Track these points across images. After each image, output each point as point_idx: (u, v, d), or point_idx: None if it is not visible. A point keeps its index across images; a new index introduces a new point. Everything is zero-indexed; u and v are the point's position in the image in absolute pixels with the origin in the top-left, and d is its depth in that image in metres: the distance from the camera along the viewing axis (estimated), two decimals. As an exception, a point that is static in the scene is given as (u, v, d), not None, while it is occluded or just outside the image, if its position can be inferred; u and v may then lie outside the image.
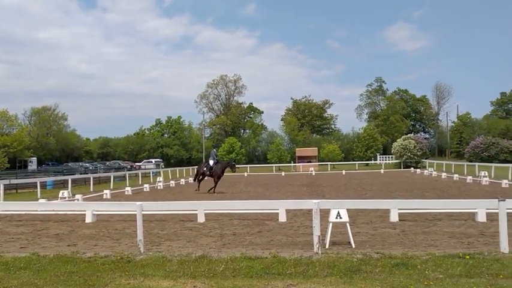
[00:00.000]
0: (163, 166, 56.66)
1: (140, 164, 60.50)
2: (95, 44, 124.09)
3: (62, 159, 68.05)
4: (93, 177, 27.91)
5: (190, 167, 52.63)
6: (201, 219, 11.78)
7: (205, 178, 23.55)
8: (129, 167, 53.55)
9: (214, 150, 24.98)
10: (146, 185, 25.71)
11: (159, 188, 26.67)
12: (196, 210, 11.98)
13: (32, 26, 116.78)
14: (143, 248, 7.88)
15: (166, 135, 79.54)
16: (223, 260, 6.99)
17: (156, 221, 11.88)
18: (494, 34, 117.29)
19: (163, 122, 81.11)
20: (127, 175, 31.49)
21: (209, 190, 21.55)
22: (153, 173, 38.92)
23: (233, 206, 11.46)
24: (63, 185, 26.47)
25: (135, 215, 8.38)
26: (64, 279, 6.14)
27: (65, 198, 18.01)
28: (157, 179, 29.99)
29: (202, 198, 18.49)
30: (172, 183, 29.58)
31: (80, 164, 56.34)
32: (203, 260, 7.02)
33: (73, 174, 33.43)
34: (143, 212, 8.42)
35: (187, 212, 12.50)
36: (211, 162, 22.42)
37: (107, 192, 20.82)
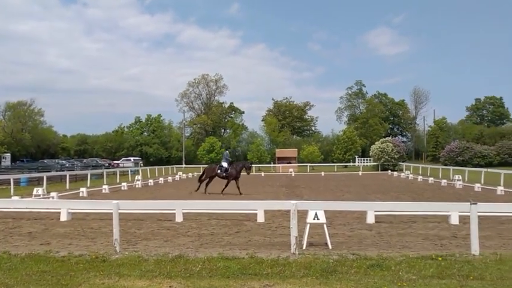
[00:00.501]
0: (142, 165, 56.04)
1: (118, 162, 59.68)
2: (74, 39, 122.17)
3: (37, 156, 66.54)
4: (70, 175, 27.43)
5: (170, 166, 52.25)
6: (179, 218, 11.72)
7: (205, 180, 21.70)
8: (107, 165, 52.76)
9: (227, 152, 23.64)
10: (124, 184, 25.38)
11: (137, 186, 26.37)
12: (174, 210, 11.90)
13: (9, 18, 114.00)
14: (119, 247, 7.78)
15: (145, 133, 78.63)
16: (200, 260, 6.97)
17: (133, 220, 11.74)
18: (471, 42, 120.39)
19: (143, 120, 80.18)
20: (105, 173, 31.00)
21: (239, 191, 20.11)
22: (131, 171, 38.42)
23: (211, 206, 11.44)
24: (38, 182, 25.88)
25: (111, 213, 8.27)
26: (36, 279, 6.02)
27: (39, 195, 17.63)
28: (136, 178, 29.64)
29: (181, 197, 18.37)
30: (151, 182, 29.31)
31: (56, 161, 55.20)
32: (180, 260, 6.99)
33: (48, 171, 32.72)
34: (120, 211, 8.33)
35: (165, 212, 12.38)
36: (225, 164, 21.22)
37: (83, 190, 20.46)
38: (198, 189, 21.38)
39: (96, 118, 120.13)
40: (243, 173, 21.21)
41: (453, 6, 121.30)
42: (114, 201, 8.38)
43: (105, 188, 22.53)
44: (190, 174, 42.32)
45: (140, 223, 11.42)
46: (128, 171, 37.65)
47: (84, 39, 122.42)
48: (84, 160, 59.11)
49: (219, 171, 21.19)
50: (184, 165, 62.01)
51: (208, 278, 6.05)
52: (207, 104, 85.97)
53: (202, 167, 54.46)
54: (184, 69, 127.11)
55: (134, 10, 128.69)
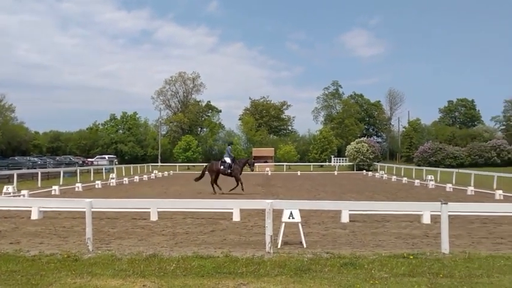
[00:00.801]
0: (116, 163, 55.17)
1: (93, 160, 58.59)
2: (47, 33, 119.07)
3: (7, 153, 64.47)
4: (42, 173, 26.78)
5: (145, 165, 51.59)
6: (154, 217, 11.62)
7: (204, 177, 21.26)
8: (80, 162, 51.74)
9: (230, 147, 22.82)
10: (98, 182, 24.97)
11: (111, 185, 25.96)
12: (149, 209, 11.78)
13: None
14: (92, 246, 7.66)
15: (121, 131, 77.39)
16: (174, 259, 6.93)
17: (107, 219, 11.58)
18: (445, 44, 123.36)
19: (118, 118, 78.88)
20: (78, 171, 30.44)
21: (231, 189, 19.95)
22: (106, 169, 37.79)
23: (187, 204, 11.35)
24: (8, 179, 25.22)
25: (84, 212, 8.13)
26: (5, 279, 5.86)
27: (9, 193, 17.16)
28: (110, 176, 29.15)
29: (156, 196, 18.20)
30: (125, 180, 28.90)
31: (28, 158, 53.67)
32: (154, 259, 6.93)
33: (19, 169, 31.88)
34: (93, 210, 8.19)
35: (139, 210, 12.26)
36: (228, 159, 20.65)
37: (55, 188, 20.03)
38: (214, 190, 20.06)
39: (70, 115, 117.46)
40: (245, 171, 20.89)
41: (428, 9, 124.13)
42: (87, 200, 8.24)
43: (79, 186, 22.13)
44: (166, 172, 41.96)
45: (114, 222, 11.26)
46: (102, 169, 37.02)
47: (59, 34, 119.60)
48: (57, 158, 57.71)
49: (221, 167, 20.51)
50: (160, 164, 61.40)
51: (183, 277, 6.02)
52: (183, 102, 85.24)
53: (179, 166, 54.55)
54: (161, 67, 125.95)
55: (110, 6, 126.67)
